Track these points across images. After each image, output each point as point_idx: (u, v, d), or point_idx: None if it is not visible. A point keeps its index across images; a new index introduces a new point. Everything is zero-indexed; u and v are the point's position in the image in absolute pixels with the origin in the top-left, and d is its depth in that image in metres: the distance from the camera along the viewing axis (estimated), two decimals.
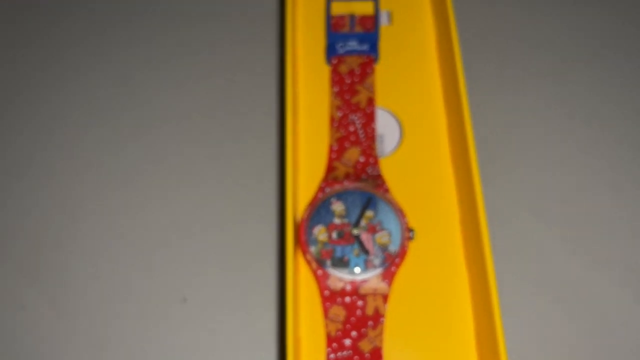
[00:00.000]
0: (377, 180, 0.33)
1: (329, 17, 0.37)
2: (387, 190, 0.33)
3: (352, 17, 0.37)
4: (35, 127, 0.40)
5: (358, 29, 0.37)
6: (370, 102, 0.35)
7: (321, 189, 0.33)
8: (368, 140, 0.34)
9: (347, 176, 0.33)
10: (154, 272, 0.36)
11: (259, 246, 0.36)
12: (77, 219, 0.37)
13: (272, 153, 0.38)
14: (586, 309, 0.35)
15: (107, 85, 0.41)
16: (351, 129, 0.35)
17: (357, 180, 0.33)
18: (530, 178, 0.38)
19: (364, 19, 0.37)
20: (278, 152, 0.38)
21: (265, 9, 0.43)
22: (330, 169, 0.34)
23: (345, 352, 0.29)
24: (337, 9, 0.38)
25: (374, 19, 0.37)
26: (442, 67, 0.37)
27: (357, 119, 0.35)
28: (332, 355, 0.29)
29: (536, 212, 0.37)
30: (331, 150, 0.34)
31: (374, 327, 0.29)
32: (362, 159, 0.34)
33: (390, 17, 0.39)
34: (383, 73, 0.37)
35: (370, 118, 0.35)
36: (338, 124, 0.35)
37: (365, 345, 0.29)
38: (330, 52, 0.36)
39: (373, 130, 0.35)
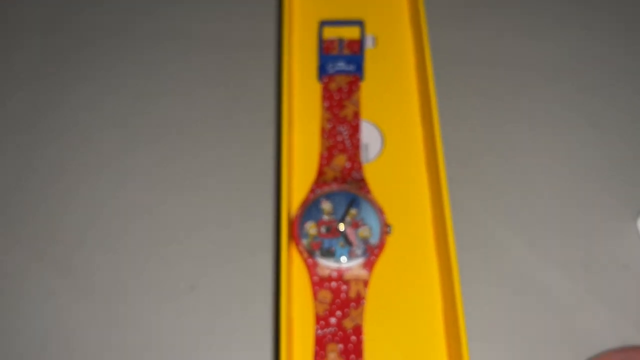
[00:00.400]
0: (360, 183, 0.38)
1: (321, 41, 0.43)
2: (368, 192, 0.38)
3: (340, 41, 0.43)
4: (66, 134, 0.45)
5: (346, 52, 0.42)
6: (356, 115, 0.41)
7: (312, 190, 0.38)
8: (354, 149, 0.40)
9: (335, 180, 0.38)
10: (166, 264, 0.41)
11: (258, 240, 0.41)
12: (99, 217, 0.42)
13: (270, 159, 0.44)
14: (541, 298, 0.40)
15: (117, 93, 0.47)
16: (339, 138, 0.40)
17: (343, 183, 0.38)
18: (495, 181, 0.43)
19: (351, 42, 0.43)
20: (275, 159, 0.44)
21: (264, 32, 0.49)
22: (320, 173, 0.39)
23: (331, 329, 0.34)
24: (328, 33, 0.43)
25: (360, 42, 0.43)
26: (419, 85, 0.42)
27: (344, 130, 0.40)
28: (319, 332, 0.34)
29: (499, 211, 0.42)
30: (322, 157, 0.39)
31: (356, 307, 0.35)
32: (348, 165, 0.39)
33: (375, 41, 0.44)
34: (368, 90, 0.42)
35: (355, 129, 0.40)
36: (328, 134, 0.40)
37: (348, 323, 0.34)
38: (322, 71, 0.42)
39: (358, 140, 0.40)
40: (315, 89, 0.42)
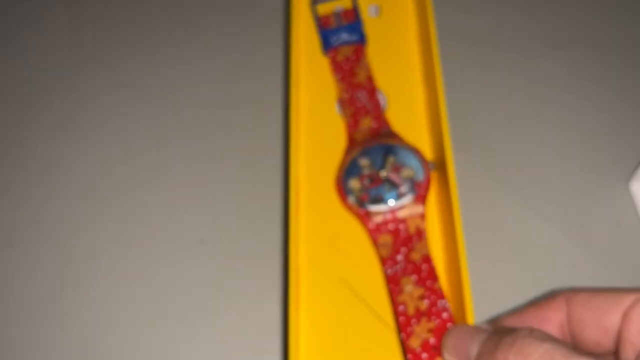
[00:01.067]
0: (391, 134, 0.39)
1: (317, 18, 0.44)
2: (401, 140, 0.38)
3: (336, 14, 0.44)
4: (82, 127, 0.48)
5: (344, 22, 0.43)
6: (369, 79, 0.41)
7: (347, 153, 0.38)
8: (376, 109, 0.40)
9: (365, 140, 0.39)
10: (178, 220, 0.43)
11: (267, 198, 0.43)
12: (112, 177, 0.45)
13: (279, 125, 0.45)
14: (536, 254, 0.40)
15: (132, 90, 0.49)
16: (359, 104, 0.40)
17: (375, 139, 0.38)
18: (494, 146, 0.45)
19: (347, 12, 0.44)
20: (283, 123, 0.44)
21: (270, 24, 0.51)
22: (351, 140, 0.39)
23: (399, 265, 0.33)
24: (323, 10, 0.44)
25: (355, 11, 0.44)
26: (422, 51, 0.43)
27: (362, 95, 0.41)
28: (389, 271, 0.33)
29: (496, 171, 0.44)
30: (348, 125, 0.40)
31: (419, 240, 0.34)
32: (374, 125, 0.39)
33: (378, 10, 0.45)
34: (373, 57, 0.43)
35: (372, 92, 0.41)
36: (349, 103, 0.41)
37: (415, 255, 0.34)
38: (326, 45, 0.43)
39: (377, 100, 0.40)
40: (323, 63, 0.43)
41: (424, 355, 0.30)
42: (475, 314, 0.31)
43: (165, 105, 0.48)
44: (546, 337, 0.25)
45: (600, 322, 0.27)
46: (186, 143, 0.46)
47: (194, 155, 0.46)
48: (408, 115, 0.41)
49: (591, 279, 0.39)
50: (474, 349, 0.27)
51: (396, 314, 0.32)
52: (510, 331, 0.26)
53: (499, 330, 0.27)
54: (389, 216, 0.35)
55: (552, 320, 0.28)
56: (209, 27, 0.52)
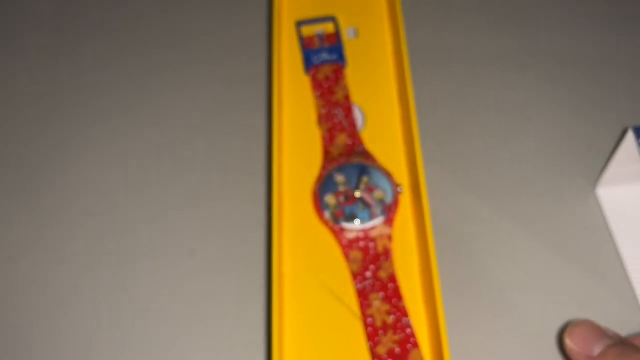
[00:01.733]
0: (365, 154, 0.42)
1: (301, 39, 0.47)
2: (374, 160, 0.42)
3: (319, 35, 0.47)
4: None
5: (326, 44, 0.47)
6: (347, 98, 0.45)
7: (324, 167, 0.42)
8: (351, 127, 0.44)
9: (340, 156, 0.42)
10: (171, 231, 0.46)
11: (251, 208, 0.46)
12: (108, 190, 0.48)
13: (262, 146, 0.49)
14: (508, 258, 0.45)
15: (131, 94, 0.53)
16: (336, 120, 0.44)
17: (349, 157, 0.42)
18: (464, 156, 0.49)
19: (329, 36, 0.47)
20: (267, 144, 0.47)
21: (256, 46, 0.54)
22: (326, 153, 0.43)
23: (367, 282, 0.38)
24: (306, 32, 0.47)
25: (337, 35, 0.47)
26: (397, 71, 0.46)
27: (339, 113, 0.44)
28: (359, 286, 0.38)
29: (468, 181, 0.47)
30: (324, 139, 0.43)
31: (386, 260, 0.39)
32: (349, 142, 0.43)
33: (356, 32, 0.48)
34: (351, 75, 0.46)
35: (349, 110, 0.44)
36: (325, 119, 0.44)
37: (382, 274, 0.38)
38: (308, 64, 0.46)
39: (353, 119, 0.44)
40: (304, 81, 0.46)
41: None
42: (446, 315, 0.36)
43: (156, 125, 0.51)
44: None
45: None
46: (176, 157, 0.49)
47: (184, 168, 0.48)
48: (385, 133, 0.45)
49: (561, 280, 0.43)
50: (598, 348, 0.32)
51: (365, 325, 0.36)
52: (636, 346, 0.31)
53: (625, 342, 0.31)
54: (360, 234, 0.39)
55: None
56: (197, 50, 0.55)
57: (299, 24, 0.47)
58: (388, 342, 0.35)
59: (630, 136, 0.41)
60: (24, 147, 0.50)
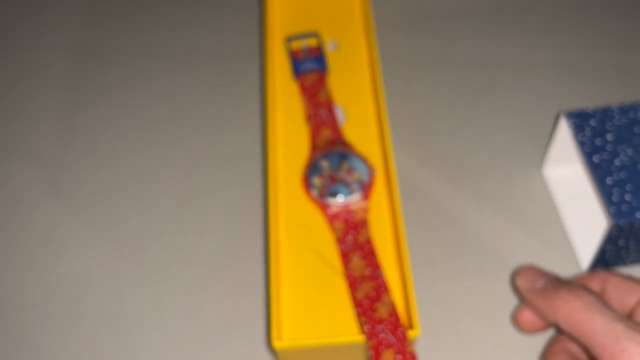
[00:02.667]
0: (346, 144, 0.51)
1: (290, 52, 0.56)
2: (353, 149, 0.50)
3: (305, 49, 0.56)
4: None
5: (311, 56, 0.55)
6: (329, 100, 0.53)
7: (311, 156, 0.50)
8: (333, 123, 0.52)
9: (325, 146, 0.51)
10: (180, 217, 0.55)
11: (251, 192, 0.52)
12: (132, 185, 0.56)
13: (260, 144, 0.56)
14: (465, 229, 0.53)
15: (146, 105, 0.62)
16: (321, 118, 0.53)
17: (332, 146, 0.51)
18: (424, 140, 0.58)
19: (313, 49, 0.56)
20: (262, 141, 0.56)
21: (249, 54, 0.64)
22: (313, 144, 0.51)
23: (348, 245, 0.46)
24: (294, 45, 0.56)
25: (319, 48, 0.56)
26: (371, 75, 0.55)
27: (323, 112, 0.53)
28: (342, 247, 0.46)
29: (428, 162, 0.57)
30: (311, 133, 0.52)
31: (363, 227, 0.47)
32: (332, 135, 0.52)
33: (337, 45, 0.57)
34: (333, 81, 0.55)
35: (331, 109, 0.53)
36: (312, 117, 0.53)
37: (361, 238, 0.46)
38: (296, 72, 0.55)
39: (335, 116, 0.53)
40: (294, 87, 0.55)
41: (366, 301, 0.43)
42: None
43: (162, 126, 0.60)
44: (592, 292, 0.38)
45: (623, 301, 0.41)
46: (184, 153, 0.58)
47: (192, 161, 0.58)
48: (361, 127, 0.53)
49: (512, 251, 0.51)
50: (540, 283, 0.41)
51: (347, 276, 0.44)
52: (569, 282, 0.40)
53: (560, 279, 0.41)
54: (342, 208, 0.48)
55: (592, 288, 0.42)
56: (198, 62, 0.65)
57: (289, 39, 0.56)
58: (365, 288, 0.43)
59: (562, 121, 0.49)
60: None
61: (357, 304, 0.42)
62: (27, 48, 0.66)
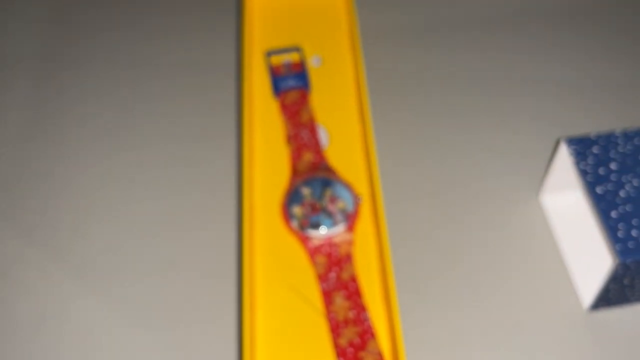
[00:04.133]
0: (328, 169, 0.47)
1: (270, 67, 0.52)
2: (337, 174, 0.46)
3: (286, 64, 0.52)
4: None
5: (292, 72, 0.51)
6: (312, 120, 0.50)
7: (291, 182, 0.46)
8: (316, 146, 0.48)
9: (306, 171, 0.47)
10: (149, 244, 0.49)
11: (224, 220, 0.48)
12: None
13: (235, 168, 0.53)
14: (457, 258, 0.50)
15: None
16: (302, 140, 0.49)
17: (314, 172, 0.47)
18: (415, 165, 0.54)
19: (295, 64, 0.52)
20: (237, 162, 0.52)
21: (226, 68, 0.59)
22: (294, 169, 0.47)
23: (331, 282, 0.42)
24: (275, 60, 0.52)
25: (302, 64, 0.52)
26: (357, 93, 0.51)
27: (305, 133, 0.49)
28: (323, 286, 0.42)
29: (418, 189, 0.53)
30: (292, 157, 0.48)
31: (348, 262, 0.43)
32: (314, 158, 0.48)
33: (321, 60, 0.54)
34: (316, 99, 0.51)
35: (314, 131, 0.49)
36: (293, 139, 0.49)
37: (344, 275, 0.42)
38: (276, 90, 0.51)
39: (318, 138, 0.49)
40: (273, 105, 0.51)
41: (350, 349, 0.39)
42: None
43: (137, 149, 0.55)
44: None
45: None
46: (156, 177, 0.54)
47: (163, 188, 0.53)
48: (346, 150, 0.49)
49: (508, 286, 0.47)
50: None
51: (329, 319, 0.40)
52: None
53: None
54: (324, 241, 0.44)
55: None
56: (178, 79, 0.60)
57: (268, 53, 0.52)
58: (349, 333, 0.39)
59: (562, 147, 0.46)
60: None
61: (340, 352, 0.38)
62: None
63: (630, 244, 0.41)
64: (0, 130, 0.56)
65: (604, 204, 0.42)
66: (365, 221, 0.45)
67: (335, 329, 0.40)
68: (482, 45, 0.61)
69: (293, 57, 0.53)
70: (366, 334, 0.39)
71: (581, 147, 0.45)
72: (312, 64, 0.53)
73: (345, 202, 0.45)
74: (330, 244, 0.44)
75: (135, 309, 0.47)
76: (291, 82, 0.51)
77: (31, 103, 0.58)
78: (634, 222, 0.41)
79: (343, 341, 0.39)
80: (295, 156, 0.48)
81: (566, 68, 0.59)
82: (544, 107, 0.57)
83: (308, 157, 0.48)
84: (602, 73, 0.59)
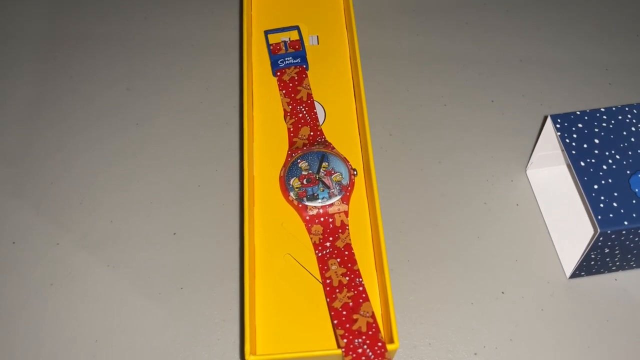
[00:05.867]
0: (325, 143, 0.49)
1: (268, 45, 0.53)
2: (333, 148, 0.49)
3: (285, 42, 0.53)
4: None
5: (291, 50, 0.53)
6: (309, 96, 0.51)
7: (289, 155, 0.48)
8: (313, 121, 0.50)
9: (304, 145, 0.49)
10: (155, 216, 0.51)
11: (227, 193, 0.50)
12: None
13: (237, 143, 0.54)
14: (448, 228, 0.52)
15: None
16: (300, 115, 0.51)
17: (311, 146, 0.49)
18: (407, 139, 0.56)
19: (293, 42, 0.54)
20: (240, 143, 0.54)
21: (228, 47, 0.61)
22: (291, 143, 0.49)
23: (326, 250, 0.44)
24: (273, 39, 0.54)
25: (300, 41, 0.54)
26: (352, 71, 0.53)
27: (302, 109, 0.51)
28: (319, 254, 0.44)
29: (410, 162, 0.55)
30: (289, 132, 0.50)
31: (343, 232, 0.45)
32: (312, 133, 0.50)
33: (318, 39, 0.55)
34: (313, 77, 0.53)
35: (311, 106, 0.51)
36: (290, 114, 0.51)
37: (340, 244, 0.44)
38: (274, 67, 0.52)
39: (315, 113, 0.51)
40: (272, 82, 0.53)
41: (344, 312, 0.41)
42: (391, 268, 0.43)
43: (141, 124, 0.58)
44: None
45: None
46: (159, 152, 0.56)
47: (167, 162, 0.55)
48: (342, 125, 0.51)
49: (494, 255, 0.50)
50: None
51: (324, 285, 0.43)
52: None
53: None
54: (321, 211, 0.46)
55: None
56: (181, 58, 0.62)
57: (267, 32, 0.54)
58: (343, 297, 0.41)
59: (549, 123, 0.48)
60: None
61: (335, 315, 0.41)
62: None
63: (611, 215, 0.43)
64: (9, 108, 0.58)
65: (587, 177, 0.45)
66: (359, 193, 0.48)
67: (330, 293, 0.42)
68: (474, 26, 0.63)
69: (291, 36, 0.54)
70: (359, 297, 0.41)
71: (566, 122, 0.47)
72: (309, 42, 0.55)
73: (340, 174, 0.47)
74: (326, 214, 0.46)
75: (141, 275, 0.49)
76: (289, 60, 0.53)
77: (38, 81, 0.60)
78: (615, 194, 0.44)
79: (338, 304, 0.41)
80: (293, 131, 0.50)
81: (556, 49, 0.61)
82: (534, 86, 0.59)
83: (305, 131, 0.50)
84: (591, 54, 0.61)
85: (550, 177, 0.53)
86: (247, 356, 0.38)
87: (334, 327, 0.40)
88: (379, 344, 0.38)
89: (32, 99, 0.58)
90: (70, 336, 0.47)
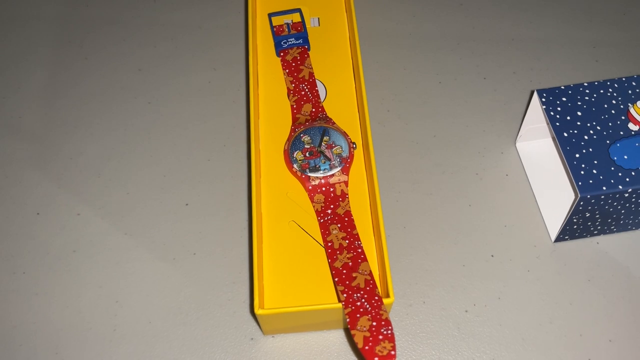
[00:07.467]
0: (327, 119, 0.52)
1: (272, 27, 0.57)
2: (334, 123, 0.52)
3: (287, 24, 0.57)
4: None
5: (293, 31, 0.57)
6: (311, 75, 0.55)
7: (292, 130, 0.52)
8: (315, 98, 0.54)
9: (306, 121, 0.52)
10: (170, 190, 0.55)
11: (235, 166, 0.55)
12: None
13: (244, 119, 0.58)
14: (442, 199, 0.56)
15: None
16: (302, 93, 0.54)
17: (313, 121, 0.52)
18: (403, 115, 0.59)
19: (295, 24, 0.57)
20: (247, 119, 0.57)
21: (234, 29, 0.65)
22: (294, 119, 0.53)
23: (328, 217, 0.48)
24: (277, 21, 0.57)
25: (302, 23, 0.57)
26: (351, 51, 0.56)
27: (305, 87, 0.54)
28: (321, 220, 0.48)
29: (407, 137, 0.59)
30: (293, 108, 0.53)
31: (343, 200, 0.49)
32: (313, 110, 0.53)
33: (319, 21, 0.59)
34: (315, 56, 0.56)
35: (313, 84, 0.54)
36: (293, 92, 0.54)
37: (340, 210, 0.48)
38: (278, 47, 0.56)
39: (317, 91, 0.54)
40: (275, 63, 0.57)
41: (344, 271, 0.45)
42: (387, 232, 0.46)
43: (152, 103, 0.61)
44: None
45: None
46: (172, 129, 0.59)
47: (177, 133, 0.59)
48: (342, 102, 0.55)
49: (485, 221, 0.54)
50: None
51: (326, 247, 0.46)
52: None
53: None
54: (322, 181, 0.49)
55: None
56: (189, 40, 0.65)
57: (271, 15, 0.57)
58: (343, 258, 0.45)
59: (535, 98, 0.51)
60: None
61: (336, 273, 0.45)
62: (10, 20, 0.66)
63: (591, 181, 0.46)
64: (29, 89, 0.62)
65: (569, 146, 0.48)
66: (358, 165, 0.51)
67: (332, 255, 0.46)
68: (469, 7, 0.66)
69: (294, 18, 0.58)
70: (358, 258, 0.45)
71: (551, 97, 0.51)
72: (311, 24, 0.58)
73: (341, 147, 0.50)
74: (327, 184, 0.49)
75: (156, 242, 0.53)
76: (292, 41, 0.56)
77: (55, 63, 0.63)
78: (595, 162, 0.47)
79: (338, 264, 0.45)
80: (296, 108, 0.53)
81: (545, 28, 0.65)
82: (525, 64, 0.62)
83: (307, 108, 0.53)
84: (579, 33, 0.64)
85: (537, 149, 0.56)
86: (256, 310, 0.42)
87: (335, 284, 0.44)
88: (376, 297, 0.42)
89: (50, 80, 0.62)
90: (92, 297, 0.51)
